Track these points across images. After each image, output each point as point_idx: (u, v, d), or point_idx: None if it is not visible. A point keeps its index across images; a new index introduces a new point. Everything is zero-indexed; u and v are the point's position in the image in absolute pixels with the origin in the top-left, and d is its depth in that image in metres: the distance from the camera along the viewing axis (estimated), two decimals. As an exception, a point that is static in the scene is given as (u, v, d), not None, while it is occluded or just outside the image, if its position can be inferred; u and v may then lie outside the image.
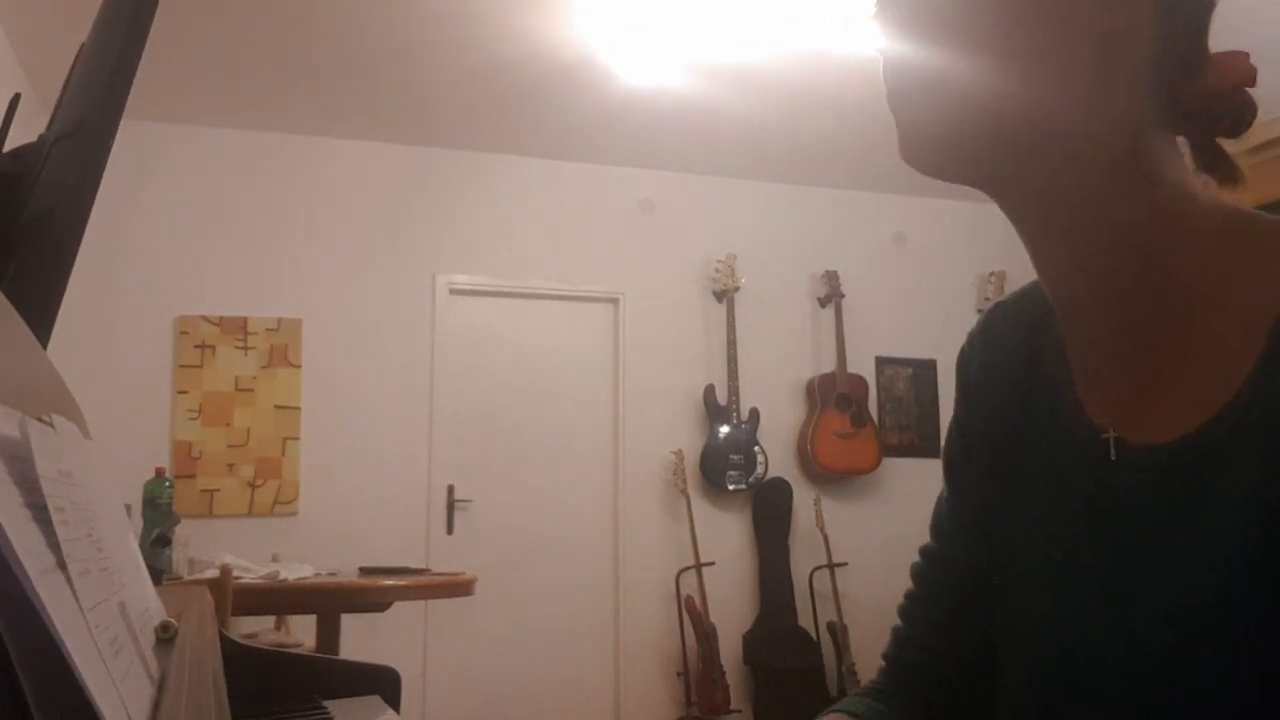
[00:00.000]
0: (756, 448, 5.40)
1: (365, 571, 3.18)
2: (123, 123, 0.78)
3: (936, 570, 0.81)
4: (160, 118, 4.68)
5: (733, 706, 5.04)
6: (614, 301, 5.42)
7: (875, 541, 5.40)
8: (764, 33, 4.00)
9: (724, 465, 5.35)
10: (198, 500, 4.63)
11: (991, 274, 5.83)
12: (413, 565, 3.85)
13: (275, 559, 3.55)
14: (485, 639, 4.96)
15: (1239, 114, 0.64)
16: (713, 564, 5.20)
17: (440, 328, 5.11)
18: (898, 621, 0.83)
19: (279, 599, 2.99)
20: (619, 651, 5.17)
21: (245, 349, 4.83)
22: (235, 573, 2.67)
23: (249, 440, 4.78)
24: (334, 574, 3.15)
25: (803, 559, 5.40)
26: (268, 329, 4.87)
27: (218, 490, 4.71)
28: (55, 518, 0.41)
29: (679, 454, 5.28)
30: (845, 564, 5.35)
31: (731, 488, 5.34)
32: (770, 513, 5.39)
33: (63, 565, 0.40)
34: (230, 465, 4.75)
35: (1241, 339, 0.58)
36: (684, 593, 5.18)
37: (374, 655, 1.30)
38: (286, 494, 4.80)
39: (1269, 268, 0.60)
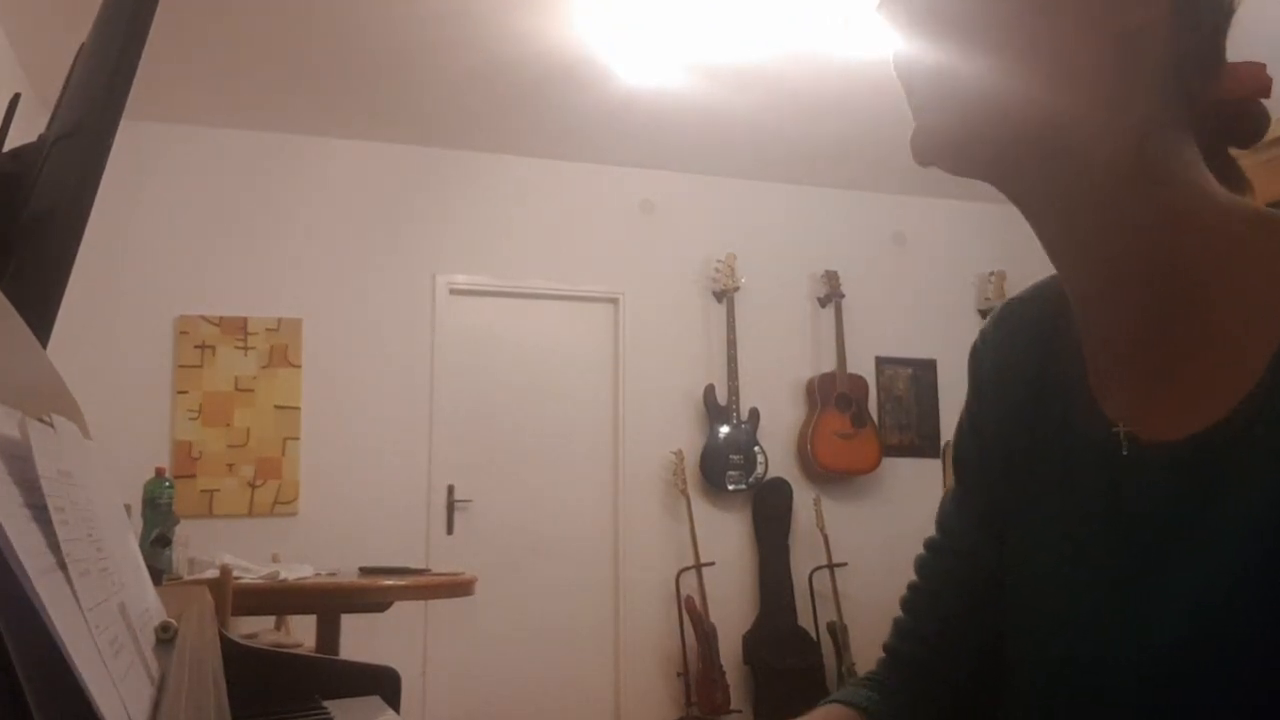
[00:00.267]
0: (756, 448, 5.40)
1: (365, 571, 3.18)
2: (123, 123, 0.78)
3: (941, 564, 0.80)
4: (160, 118, 4.68)
5: (733, 707, 5.04)
6: (614, 301, 5.41)
7: (875, 541, 5.40)
8: (764, 33, 4.00)
9: (724, 465, 5.34)
10: (198, 500, 4.63)
11: (991, 274, 5.84)
12: (413, 565, 3.85)
13: (275, 559, 3.55)
14: (485, 639, 4.96)
15: (1252, 124, 0.64)
16: (713, 564, 5.20)
17: (440, 328, 5.11)
18: (899, 613, 0.83)
19: (279, 599, 2.99)
20: (619, 651, 5.17)
21: (245, 349, 4.83)
22: (235, 573, 2.66)
23: (249, 440, 4.78)
24: (334, 574, 3.15)
25: (803, 559, 5.40)
26: (268, 329, 4.87)
27: (218, 490, 4.71)
28: (55, 518, 0.41)
29: (679, 454, 5.28)
30: (845, 564, 5.35)
31: (731, 488, 5.34)
32: (770, 513, 5.38)
33: (63, 565, 0.40)
34: (230, 465, 4.75)
35: (1256, 336, 0.58)
36: (684, 593, 5.18)
37: (374, 655, 1.30)
38: (286, 494, 4.80)
39: None
